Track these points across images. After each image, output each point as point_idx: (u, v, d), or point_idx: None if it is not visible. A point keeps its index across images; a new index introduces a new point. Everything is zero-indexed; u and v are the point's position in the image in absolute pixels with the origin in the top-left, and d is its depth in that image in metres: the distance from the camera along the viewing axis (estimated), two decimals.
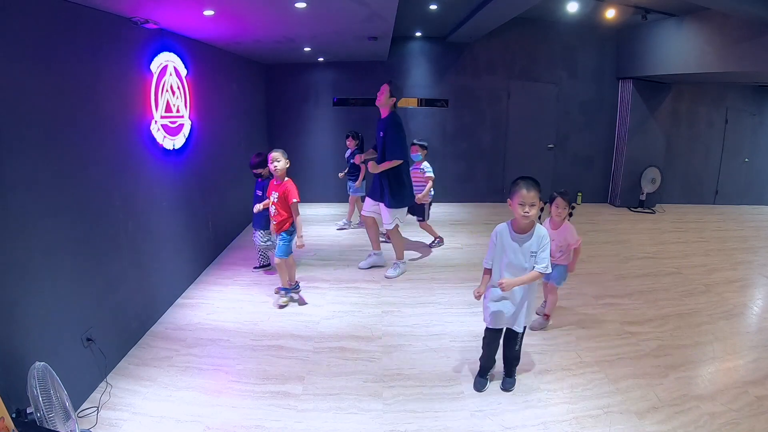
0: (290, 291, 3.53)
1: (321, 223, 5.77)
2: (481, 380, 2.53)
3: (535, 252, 2.26)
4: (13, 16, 1.94)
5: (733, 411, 2.31)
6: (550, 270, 2.30)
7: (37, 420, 1.67)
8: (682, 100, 7.12)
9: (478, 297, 2.36)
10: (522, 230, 2.27)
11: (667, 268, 4.47)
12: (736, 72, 4.81)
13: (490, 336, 2.48)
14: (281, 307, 3.44)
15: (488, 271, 2.38)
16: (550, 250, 2.97)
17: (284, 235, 3.37)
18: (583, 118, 7.02)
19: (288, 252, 3.41)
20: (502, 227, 2.33)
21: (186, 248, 3.80)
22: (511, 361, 2.52)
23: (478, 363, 2.58)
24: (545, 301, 3.26)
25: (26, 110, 2.02)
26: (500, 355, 2.54)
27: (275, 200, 3.33)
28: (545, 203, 3.13)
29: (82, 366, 2.35)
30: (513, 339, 2.46)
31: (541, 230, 2.29)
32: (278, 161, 3.27)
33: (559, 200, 3.02)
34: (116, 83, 2.74)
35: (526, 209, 2.18)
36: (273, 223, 3.40)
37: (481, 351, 2.55)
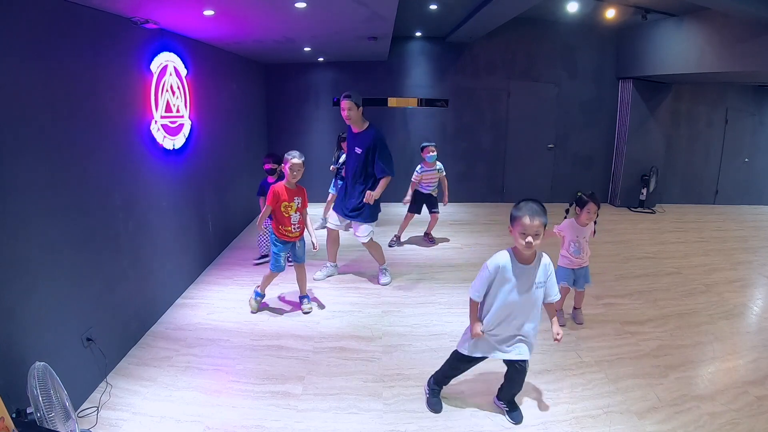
0: (309, 298, 3.49)
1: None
2: (438, 401, 2.36)
3: (541, 283, 2.07)
4: (13, 16, 1.93)
5: (733, 411, 2.31)
6: (559, 297, 2.19)
7: (37, 420, 1.66)
8: (682, 100, 7.13)
9: (479, 336, 2.12)
10: (527, 260, 2.04)
11: (667, 268, 4.47)
12: (736, 72, 4.81)
13: (468, 362, 2.24)
14: (306, 313, 3.38)
15: (476, 305, 2.14)
16: (581, 245, 3.07)
17: (303, 240, 3.35)
18: (583, 118, 7.02)
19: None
20: (504, 260, 2.04)
21: (186, 248, 3.80)
22: (517, 392, 2.32)
23: (430, 382, 2.40)
24: (560, 311, 3.27)
25: (26, 110, 2.01)
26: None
27: (299, 205, 3.22)
28: (570, 205, 3.13)
29: (82, 366, 2.35)
30: (524, 371, 2.21)
31: (546, 258, 2.11)
32: (300, 170, 3.14)
33: (591, 206, 2.99)
34: (116, 83, 2.74)
35: (529, 239, 1.93)
36: (297, 228, 3.24)
37: (442, 371, 2.35)
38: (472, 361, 2.24)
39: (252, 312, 3.39)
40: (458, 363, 2.29)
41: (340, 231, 4.03)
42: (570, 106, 6.95)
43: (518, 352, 2.14)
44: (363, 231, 3.83)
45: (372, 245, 3.94)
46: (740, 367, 2.76)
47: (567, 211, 3.16)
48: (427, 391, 2.41)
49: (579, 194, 3.09)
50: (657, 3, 5.22)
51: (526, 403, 2.39)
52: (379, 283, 3.94)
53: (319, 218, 5.62)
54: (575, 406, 2.36)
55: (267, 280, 3.43)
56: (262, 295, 3.47)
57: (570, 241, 3.10)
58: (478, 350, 2.18)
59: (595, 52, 6.84)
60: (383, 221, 5.67)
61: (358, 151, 3.71)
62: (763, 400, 2.40)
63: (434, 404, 2.35)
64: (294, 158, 3.12)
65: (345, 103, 3.63)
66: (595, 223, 3.13)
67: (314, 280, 3.96)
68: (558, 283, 3.03)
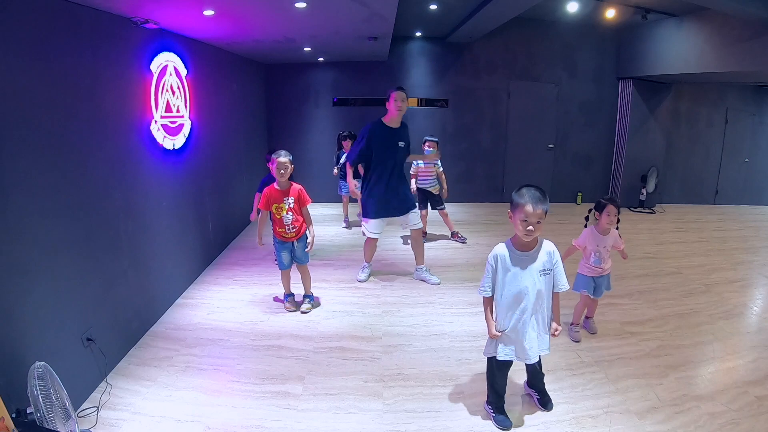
0: (312, 298, 3.50)
1: (321, 223, 5.76)
2: (505, 418, 2.22)
3: (546, 270, 2.01)
4: (13, 16, 1.94)
5: (733, 411, 2.31)
6: (568, 287, 2.10)
7: (37, 420, 1.66)
8: (682, 100, 7.13)
9: (497, 337, 2.08)
10: (526, 248, 2.00)
11: (667, 268, 4.47)
12: (736, 72, 4.81)
13: (505, 367, 2.17)
14: (304, 313, 3.38)
15: (489, 301, 2.11)
16: (601, 255, 2.91)
17: (304, 239, 3.32)
18: (583, 118, 7.02)
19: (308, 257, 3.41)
20: (502, 250, 2.02)
21: (186, 248, 3.80)
22: (543, 382, 2.32)
23: (489, 401, 2.29)
24: (576, 324, 3.15)
25: (26, 110, 2.02)
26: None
27: (291, 205, 3.22)
28: (590, 211, 3.00)
29: (82, 366, 2.35)
30: (540, 364, 2.21)
31: (549, 245, 2.05)
32: (286, 168, 3.14)
33: (611, 208, 2.85)
34: (116, 83, 2.74)
35: (530, 227, 1.89)
36: (291, 229, 3.23)
37: (489, 386, 2.26)
38: (506, 364, 2.16)
39: (291, 311, 3.41)
40: (494, 370, 2.18)
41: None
42: (570, 106, 6.95)
43: (542, 349, 2.12)
44: (416, 217, 3.90)
45: (420, 235, 3.97)
46: (740, 367, 2.76)
47: (587, 218, 3.01)
48: (490, 411, 2.28)
49: (599, 200, 2.94)
50: (657, 3, 5.22)
51: (526, 404, 2.39)
52: (429, 283, 3.91)
53: (342, 219, 5.74)
54: (575, 406, 2.36)
55: (283, 280, 3.45)
56: (291, 294, 3.48)
57: (591, 252, 2.93)
58: (503, 352, 2.10)
59: (595, 52, 6.84)
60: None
61: (402, 144, 3.74)
62: (763, 400, 2.39)
63: (502, 421, 2.20)
64: (279, 157, 3.13)
65: (402, 95, 3.56)
66: (618, 221, 2.95)
67: (358, 281, 3.99)
68: (578, 290, 2.99)
